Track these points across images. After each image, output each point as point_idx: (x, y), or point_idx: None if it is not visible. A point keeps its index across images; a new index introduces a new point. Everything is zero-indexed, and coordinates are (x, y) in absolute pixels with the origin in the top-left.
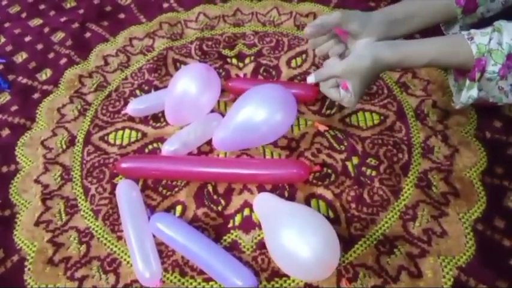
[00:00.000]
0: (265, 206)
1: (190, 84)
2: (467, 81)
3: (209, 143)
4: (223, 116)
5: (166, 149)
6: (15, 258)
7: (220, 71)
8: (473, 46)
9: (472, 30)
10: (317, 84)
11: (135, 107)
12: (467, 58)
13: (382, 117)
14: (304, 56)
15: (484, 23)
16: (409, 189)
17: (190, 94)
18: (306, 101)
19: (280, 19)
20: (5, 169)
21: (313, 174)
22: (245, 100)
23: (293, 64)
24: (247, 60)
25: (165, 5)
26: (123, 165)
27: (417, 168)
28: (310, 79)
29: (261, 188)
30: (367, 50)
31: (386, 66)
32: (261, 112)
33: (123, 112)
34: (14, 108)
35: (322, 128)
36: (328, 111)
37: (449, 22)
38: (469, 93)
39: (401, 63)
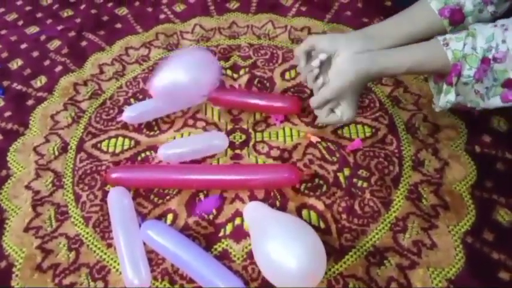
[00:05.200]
0: (254, 214)
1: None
2: (445, 86)
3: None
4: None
5: (163, 152)
6: (2, 264)
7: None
8: (449, 52)
9: (448, 36)
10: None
11: (131, 114)
12: (444, 63)
13: (373, 130)
14: (298, 68)
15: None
16: (399, 201)
17: (185, 79)
18: (290, 114)
19: (275, 32)
20: None
21: (305, 184)
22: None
23: (287, 76)
24: (241, 72)
25: (162, 16)
26: (113, 175)
27: (408, 180)
28: (311, 104)
29: (252, 198)
30: (347, 64)
31: (369, 77)
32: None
33: (118, 119)
34: (7, 114)
35: (314, 139)
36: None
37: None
38: (446, 98)
39: (381, 74)
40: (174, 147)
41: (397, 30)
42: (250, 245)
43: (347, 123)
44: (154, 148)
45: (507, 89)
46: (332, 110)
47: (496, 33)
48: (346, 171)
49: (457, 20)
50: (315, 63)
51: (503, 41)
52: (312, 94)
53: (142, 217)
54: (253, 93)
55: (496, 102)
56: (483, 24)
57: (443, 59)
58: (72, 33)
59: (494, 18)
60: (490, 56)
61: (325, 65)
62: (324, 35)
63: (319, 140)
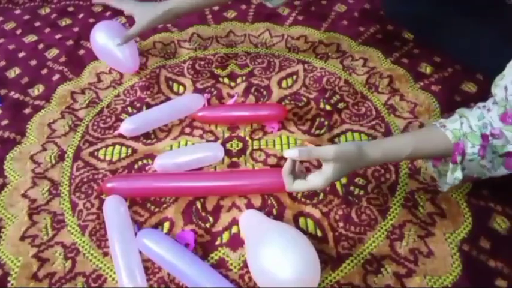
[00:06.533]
0: (249, 223)
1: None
2: (451, 165)
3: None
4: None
5: (158, 163)
6: None
7: (212, 90)
8: (448, 132)
9: (442, 120)
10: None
11: (128, 126)
12: (445, 144)
13: (370, 138)
14: (295, 77)
15: None
16: (396, 209)
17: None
18: (275, 121)
19: (272, 41)
20: None
21: (301, 193)
22: None
23: (284, 85)
24: (238, 80)
25: (160, 25)
26: (109, 185)
27: (404, 188)
28: (292, 153)
29: (249, 206)
30: (352, 143)
31: (369, 161)
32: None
33: (115, 133)
34: (4, 122)
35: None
36: (317, 131)
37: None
38: (454, 175)
39: (383, 158)
40: (169, 159)
41: None
42: None
43: (313, 190)
44: (151, 156)
45: (506, 157)
46: (298, 177)
47: (483, 112)
48: (343, 179)
49: None
50: (292, 154)
51: (492, 119)
52: (308, 102)
53: (139, 225)
54: (238, 106)
55: (501, 171)
56: (466, 109)
57: (443, 140)
58: (70, 42)
59: None
60: (488, 133)
61: None
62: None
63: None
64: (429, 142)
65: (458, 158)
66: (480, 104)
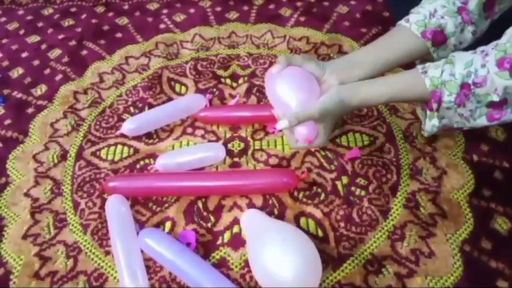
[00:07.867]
0: (250, 222)
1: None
2: (428, 112)
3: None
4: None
5: (160, 163)
6: (0, 271)
7: (214, 90)
8: (427, 79)
9: (427, 64)
10: None
11: (130, 126)
12: (423, 91)
13: (371, 139)
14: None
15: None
16: (397, 210)
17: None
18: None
19: (274, 42)
20: None
21: (303, 192)
22: None
23: None
24: (240, 81)
25: (162, 26)
26: (111, 184)
27: (406, 189)
28: (283, 124)
29: (251, 205)
30: (333, 92)
31: (349, 108)
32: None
33: (117, 133)
34: (7, 122)
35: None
36: None
37: (426, 59)
38: (431, 123)
39: (362, 104)
40: (171, 158)
41: (379, 56)
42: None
43: (316, 148)
44: (153, 156)
45: (492, 108)
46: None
47: (475, 59)
48: (344, 180)
49: (439, 42)
50: (282, 125)
51: (483, 66)
52: None
53: (140, 225)
54: (240, 107)
55: (482, 122)
56: (463, 52)
57: (422, 87)
58: (72, 42)
59: (475, 38)
60: (470, 81)
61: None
62: (312, 58)
63: (318, 148)
64: (408, 88)
65: (434, 106)
66: (479, 49)
